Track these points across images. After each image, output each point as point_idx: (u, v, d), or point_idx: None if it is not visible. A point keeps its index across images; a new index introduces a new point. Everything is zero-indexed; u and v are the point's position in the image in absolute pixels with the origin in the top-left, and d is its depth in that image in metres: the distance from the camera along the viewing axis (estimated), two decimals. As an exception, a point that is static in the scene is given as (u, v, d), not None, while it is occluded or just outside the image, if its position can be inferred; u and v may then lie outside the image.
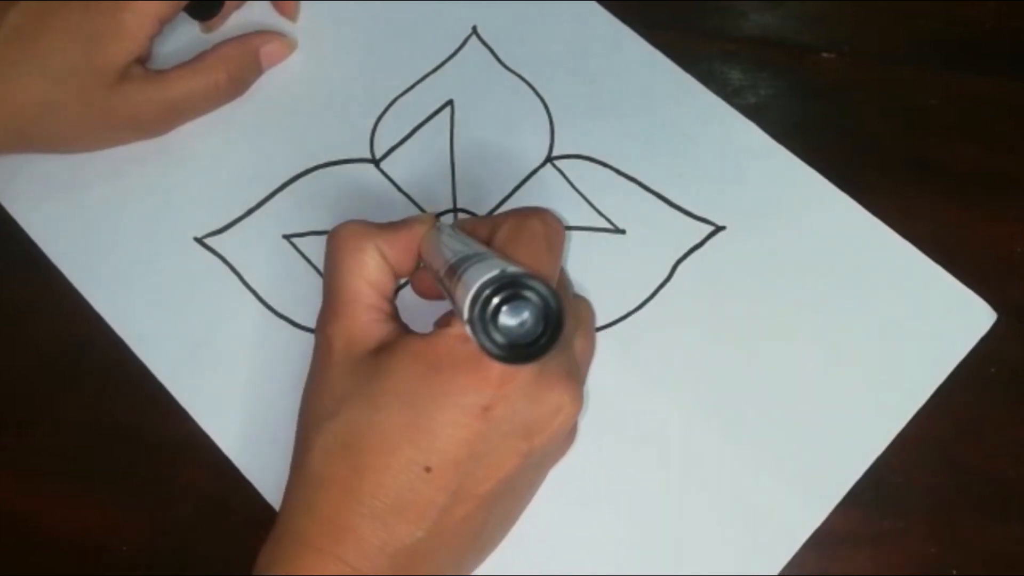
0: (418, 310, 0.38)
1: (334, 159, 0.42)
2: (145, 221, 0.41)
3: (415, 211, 0.41)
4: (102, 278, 0.40)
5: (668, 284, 0.40)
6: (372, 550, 0.29)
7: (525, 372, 0.29)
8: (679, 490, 0.37)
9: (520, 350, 0.25)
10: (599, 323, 0.39)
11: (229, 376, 0.39)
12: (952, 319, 0.39)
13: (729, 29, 0.45)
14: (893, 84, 0.43)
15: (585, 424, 0.37)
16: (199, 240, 0.41)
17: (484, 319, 0.25)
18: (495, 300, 0.25)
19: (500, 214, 0.34)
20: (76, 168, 0.42)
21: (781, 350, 0.38)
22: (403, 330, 0.33)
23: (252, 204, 0.42)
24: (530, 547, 0.36)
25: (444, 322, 0.31)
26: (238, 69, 0.42)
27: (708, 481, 0.37)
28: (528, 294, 0.25)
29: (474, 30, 0.44)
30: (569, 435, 0.34)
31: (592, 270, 0.40)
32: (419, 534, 0.29)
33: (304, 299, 0.40)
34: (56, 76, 0.38)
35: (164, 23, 0.40)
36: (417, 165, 0.42)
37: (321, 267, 0.40)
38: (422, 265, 0.34)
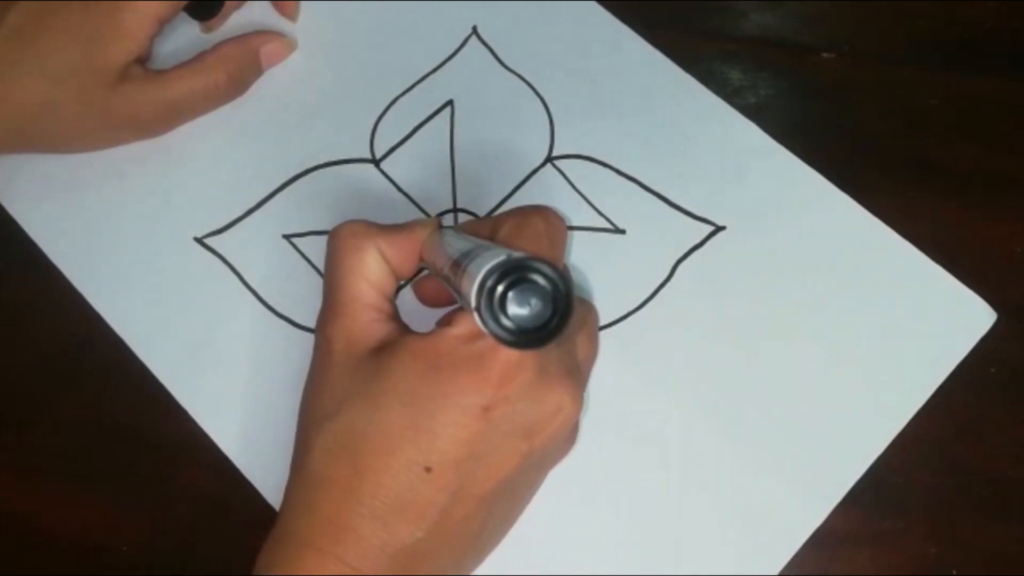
0: (418, 311, 0.38)
1: (334, 159, 0.42)
2: (145, 221, 0.41)
3: (415, 211, 0.41)
4: (102, 278, 0.40)
5: (668, 284, 0.40)
6: (372, 550, 0.29)
7: (525, 372, 0.29)
8: (679, 490, 0.37)
9: (531, 334, 0.25)
10: (599, 323, 0.39)
11: (229, 376, 0.39)
12: (952, 319, 0.39)
13: (729, 29, 0.45)
14: (893, 84, 0.43)
15: (585, 424, 0.37)
16: (199, 240, 0.41)
17: (492, 305, 0.24)
18: (502, 286, 0.24)
19: (501, 213, 0.34)
20: (76, 168, 0.42)
21: (781, 350, 0.38)
22: (403, 330, 0.33)
23: (252, 204, 0.42)
24: (530, 547, 0.36)
25: (445, 321, 0.31)
26: (238, 69, 0.42)
27: (708, 481, 0.37)
28: (535, 277, 0.25)
29: (474, 30, 0.44)
30: (570, 436, 0.34)
31: (592, 270, 0.40)
32: (419, 534, 0.29)
33: (304, 299, 0.40)
34: (56, 76, 0.38)
35: (164, 23, 0.40)
36: (417, 165, 0.42)
37: (321, 267, 0.40)
38: (426, 272, 0.34)
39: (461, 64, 0.44)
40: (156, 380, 0.39)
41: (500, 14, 0.44)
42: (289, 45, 0.44)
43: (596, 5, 0.44)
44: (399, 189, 0.42)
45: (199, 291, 0.40)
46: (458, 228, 0.34)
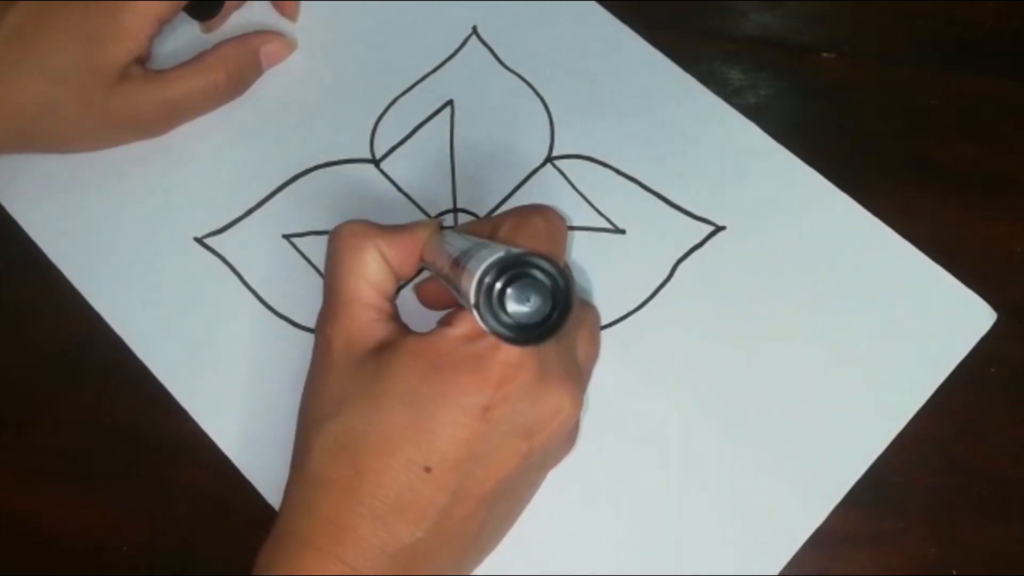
0: (418, 311, 0.38)
1: (334, 159, 0.42)
2: (145, 221, 0.41)
3: (415, 211, 0.41)
4: (102, 278, 0.40)
5: (668, 284, 0.40)
6: (372, 550, 0.29)
7: (525, 373, 0.29)
8: (679, 490, 0.37)
9: (530, 330, 0.25)
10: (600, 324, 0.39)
11: (229, 376, 0.39)
12: (952, 319, 0.39)
13: (729, 29, 0.45)
14: (893, 84, 0.43)
15: (585, 424, 0.37)
16: (199, 240, 0.41)
17: (491, 301, 0.24)
18: (500, 282, 0.24)
19: (502, 213, 0.34)
20: (76, 168, 0.42)
21: (781, 350, 0.38)
22: (403, 330, 0.33)
23: (252, 204, 0.42)
24: (530, 547, 0.36)
25: (445, 322, 0.31)
26: (238, 69, 0.42)
27: (708, 481, 0.37)
28: (535, 273, 0.24)
29: (474, 30, 0.44)
30: (569, 437, 0.34)
31: (592, 270, 0.40)
32: (419, 534, 0.29)
33: (304, 299, 0.40)
34: (56, 76, 0.38)
35: (164, 23, 0.40)
36: (417, 165, 0.42)
37: (321, 267, 0.40)
38: (430, 275, 0.34)
39: (461, 64, 0.44)
40: (156, 380, 0.39)
41: (500, 14, 0.44)
42: (289, 45, 0.44)
43: (596, 5, 0.44)
44: (399, 189, 0.42)
45: (199, 291, 0.40)
46: (459, 229, 0.34)
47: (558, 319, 0.25)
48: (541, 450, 0.31)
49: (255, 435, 0.38)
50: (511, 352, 0.29)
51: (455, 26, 0.44)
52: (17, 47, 0.38)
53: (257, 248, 0.41)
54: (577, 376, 0.32)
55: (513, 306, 0.25)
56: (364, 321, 0.32)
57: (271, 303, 0.40)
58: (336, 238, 0.33)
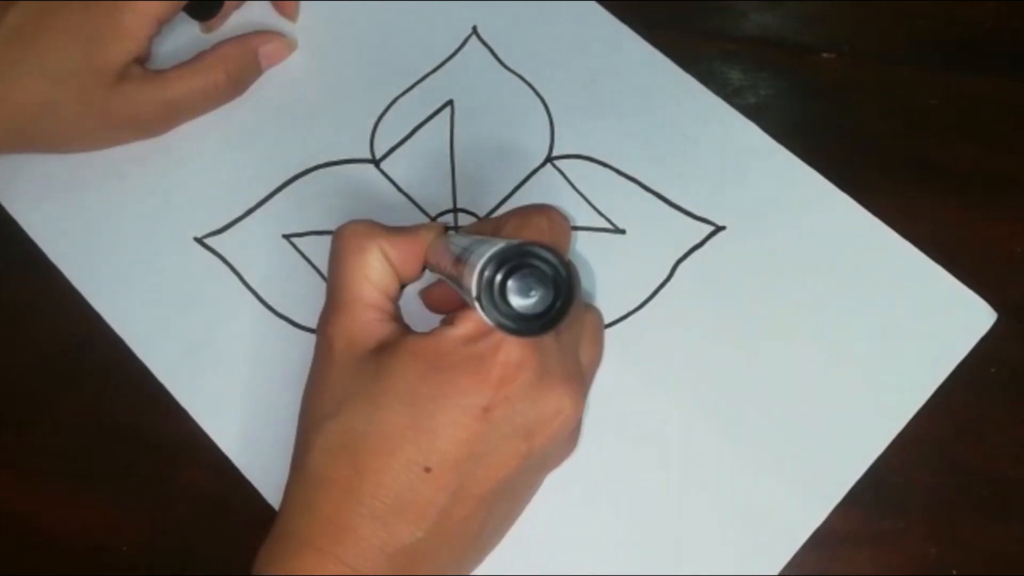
0: (420, 312, 0.38)
1: (334, 159, 0.42)
2: (145, 221, 0.41)
3: (415, 211, 0.41)
4: (102, 278, 0.40)
5: (668, 284, 0.40)
6: (372, 550, 0.29)
7: (526, 373, 0.29)
8: (679, 490, 0.37)
9: (532, 321, 0.25)
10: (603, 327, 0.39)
11: (229, 376, 0.39)
12: (952, 319, 0.39)
13: (729, 29, 0.45)
14: (893, 84, 0.43)
15: (585, 424, 0.37)
16: (199, 240, 0.41)
17: (492, 293, 0.24)
18: (501, 273, 0.24)
19: (505, 213, 0.34)
20: (76, 168, 0.42)
21: (781, 350, 0.38)
22: (404, 330, 0.33)
23: (252, 204, 0.42)
24: (530, 547, 0.36)
25: (447, 322, 0.31)
26: (237, 69, 0.42)
27: (708, 481, 0.37)
28: (537, 263, 0.24)
29: (474, 30, 0.44)
30: (570, 439, 0.34)
31: (592, 270, 0.40)
32: (419, 534, 0.29)
33: (304, 299, 0.40)
34: (56, 76, 0.38)
35: (163, 23, 0.40)
36: (417, 165, 0.42)
37: (321, 267, 0.40)
38: (436, 279, 0.34)
39: (461, 64, 0.44)
40: (156, 380, 0.39)
41: (500, 14, 0.44)
42: (289, 45, 0.44)
43: (596, 5, 0.44)
44: (399, 189, 0.42)
45: (199, 291, 0.40)
46: (462, 230, 0.34)
47: (561, 308, 0.25)
48: (541, 451, 0.31)
49: (255, 435, 0.38)
50: (512, 352, 0.29)
51: (455, 26, 0.44)
52: (17, 47, 0.38)
53: (257, 248, 0.41)
54: (578, 378, 0.32)
55: (517, 300, 0.24)
56: (366, 321, 0.32)
57: (271, 303, 0.40)
58: (340, 237, 0.33)
